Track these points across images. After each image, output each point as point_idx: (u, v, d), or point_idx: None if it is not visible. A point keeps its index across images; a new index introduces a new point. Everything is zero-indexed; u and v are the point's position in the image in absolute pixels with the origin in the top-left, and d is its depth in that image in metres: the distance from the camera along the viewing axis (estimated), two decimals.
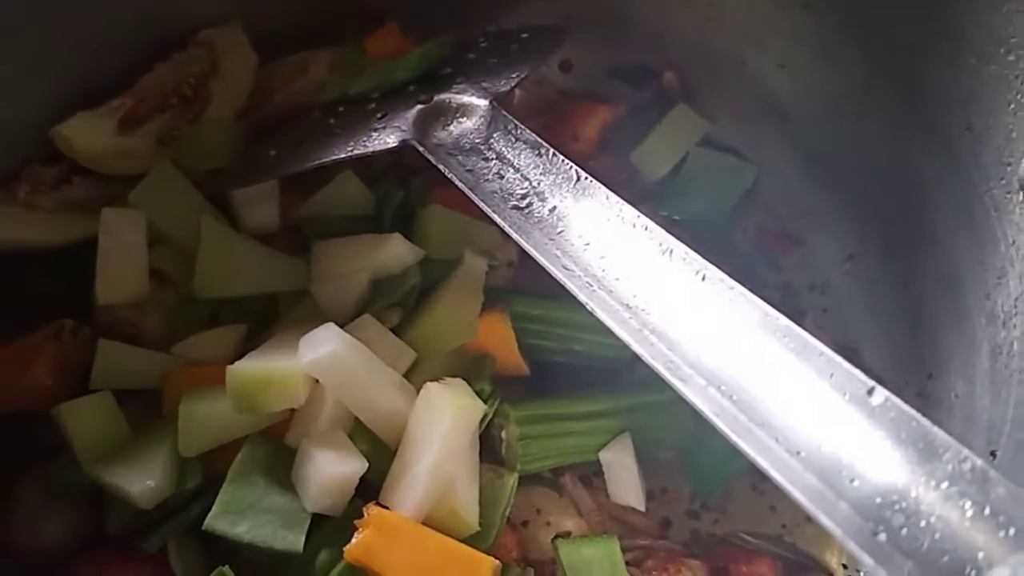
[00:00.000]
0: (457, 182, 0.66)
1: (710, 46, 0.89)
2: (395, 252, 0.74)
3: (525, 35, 0.83)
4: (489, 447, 0.70)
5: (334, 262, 0.75)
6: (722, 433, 0.46)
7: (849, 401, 0.45)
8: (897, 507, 0.41)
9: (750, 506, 0.77)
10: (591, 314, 0.76)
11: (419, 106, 0.75)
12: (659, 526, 0.76)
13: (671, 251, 0.55)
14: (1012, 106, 0.59)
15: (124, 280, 0.73)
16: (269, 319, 0.76)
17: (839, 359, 0.46)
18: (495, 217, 0.63)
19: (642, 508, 0.74)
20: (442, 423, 0.64)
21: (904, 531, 0.40)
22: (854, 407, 0.44)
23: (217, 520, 0.63)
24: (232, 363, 0.67)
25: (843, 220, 0.85)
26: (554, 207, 0.62)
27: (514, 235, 0.61)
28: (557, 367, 0.78)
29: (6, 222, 0.75)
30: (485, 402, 0.68)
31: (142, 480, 0.64)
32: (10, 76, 0.72)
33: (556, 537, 0.70)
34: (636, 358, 0.78)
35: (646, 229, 0.57)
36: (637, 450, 0.75)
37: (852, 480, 0.42)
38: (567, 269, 0.58)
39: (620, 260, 0.57)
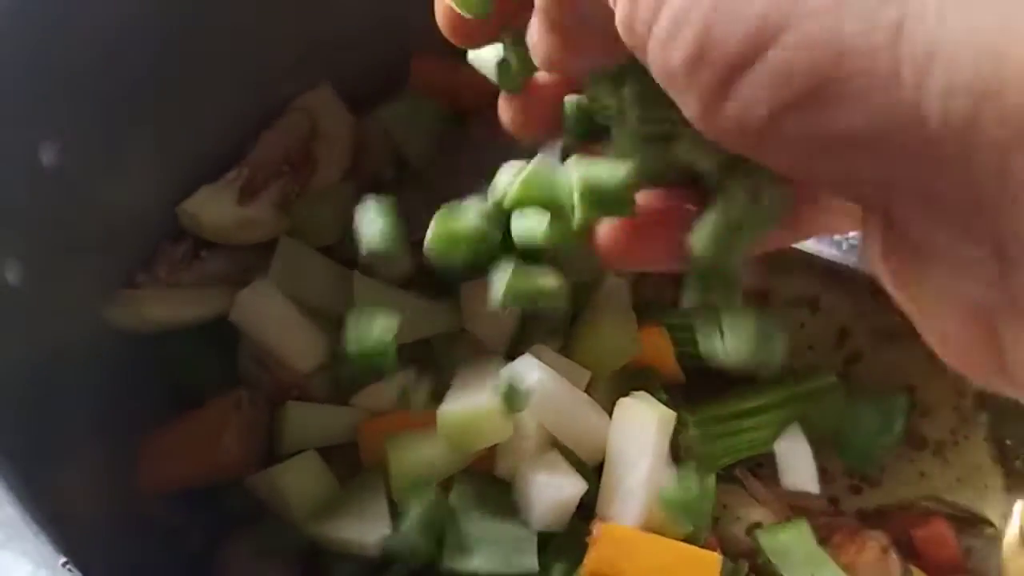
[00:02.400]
0: None
1: None
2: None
3: None
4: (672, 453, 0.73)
5: (485, 300, 0.78)
6: None
7: None
8: None
9: (903, 475, 0.82)
10: None
11: None
12: (830, 505, 0.81)
13: None
14: None
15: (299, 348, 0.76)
16: (426, 361, 0.79)
17: None
18: None
19: (816, 491, 0.78)
20: (646, 434, 0.68)
21: None
22: None
23: (452, 560, 0.65)
24: (407, 407, 0.72)
25: None
26: None
27: None
28: (705, 372, 0.82)
29: (159, 303, 0.76)
30: None
31: (377, 530, 0.66)
32: (140, 159, 0.75)
33: (751, 528, 0.74)
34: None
35: None
36: None
37: None
38: None
39: None
